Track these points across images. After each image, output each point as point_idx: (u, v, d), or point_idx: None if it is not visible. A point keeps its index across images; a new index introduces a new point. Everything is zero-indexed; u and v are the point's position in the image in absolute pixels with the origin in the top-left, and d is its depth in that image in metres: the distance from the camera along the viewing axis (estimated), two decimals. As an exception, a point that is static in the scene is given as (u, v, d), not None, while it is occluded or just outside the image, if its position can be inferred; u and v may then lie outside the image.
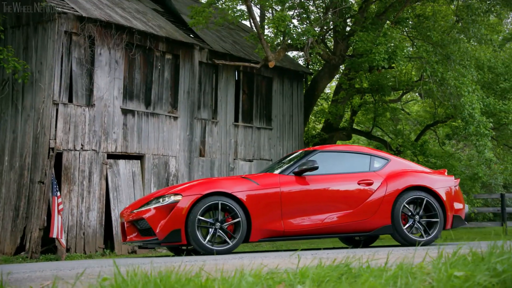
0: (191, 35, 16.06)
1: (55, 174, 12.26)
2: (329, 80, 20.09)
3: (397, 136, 22.87)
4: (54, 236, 11.77)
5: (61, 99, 12.66)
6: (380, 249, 6.05)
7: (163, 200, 6.79)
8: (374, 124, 22.22)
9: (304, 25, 18.96)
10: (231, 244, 6.65)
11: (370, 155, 7.65)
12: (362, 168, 7.47)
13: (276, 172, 7.36)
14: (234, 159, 16.51)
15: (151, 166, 14.27)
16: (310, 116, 21.81)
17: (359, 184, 7.24)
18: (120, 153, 13.70)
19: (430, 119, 23.16)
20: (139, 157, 14.18)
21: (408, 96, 28.17)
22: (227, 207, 6.69)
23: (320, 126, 23.30)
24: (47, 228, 12.24)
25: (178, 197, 6.67)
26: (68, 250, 12.41)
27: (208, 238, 6.60)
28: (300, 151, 8.00)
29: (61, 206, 12.02)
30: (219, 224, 6.67)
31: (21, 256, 11.97)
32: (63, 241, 11.99)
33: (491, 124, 17.03)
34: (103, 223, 13.15)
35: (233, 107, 16.69)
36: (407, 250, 5.54)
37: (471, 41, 17.94)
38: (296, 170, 7.14)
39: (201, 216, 6.60)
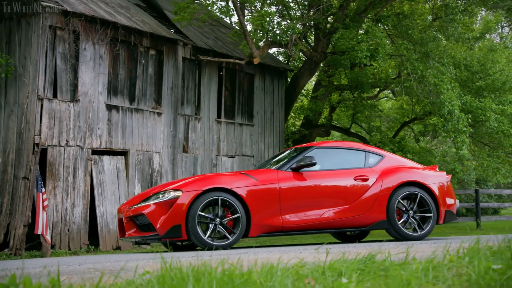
0: (172, 31, 16.00)
1: (39, 170, 12.13)
2: (310, 77, 20.23)
3: (371, 132, 23.19)
4: (39, 232, 11.64)
5: (46, 94, 12.52)
6: (399, 244, 6.18)
7: (162, 196, 6.81)
8: (353, 120, 22.45)
9: (284, 23, 19.04)
10: (231, 239, 6.71)
11: (365, 151, 7.78)
12: (357, 164, 7.60)
13: (274, 168, 7.43)
14: (217, 155, 16.53)
15: (135, 162, 14.22)
16: (290, 112, 21.93)
17: (355, 180, 7.36)
18: (104, 149, 13.62)
19: (405, 116, 23.51)
20: (124, 153, 14.12)
21: (379, 93, 28.55)
22: (227, 203, 6.75)
23: (299, 123, 23.45)
24: (31, 225, 12.11)
25: (178, 193, 6.71)
26: (52, 246, 12.30)
27: (208, 233, 6.65)
28: (296, 147, 8.09)
29: (46, 203, 11.90)
30: (219, 219, 6.72)
31: (4, 253, 11.82)
32: (48, 237, 11.88)
33: (470, 121, 17.39)
34: (88, 220, 13.06)
35: (216, 103, 16.71)
36: (421, 245, 5.67)
37: (450, 39, 18.25)
38: (294, 166, 7.22)
39: (201, 211, 6.65)
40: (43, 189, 11.90)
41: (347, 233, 8.83)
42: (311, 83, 26.26)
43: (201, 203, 6.64)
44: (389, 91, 26.53)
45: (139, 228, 6.93)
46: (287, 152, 8.25)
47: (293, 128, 22.69)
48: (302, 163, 7.15)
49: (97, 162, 13.39)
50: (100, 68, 13.56)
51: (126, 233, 7.02)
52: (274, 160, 8.19)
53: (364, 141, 21.29)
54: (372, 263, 3.26)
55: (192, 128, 15.84)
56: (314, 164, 7.10)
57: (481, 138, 21.07)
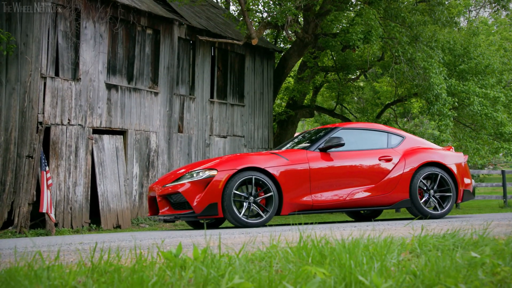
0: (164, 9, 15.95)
1: (42, 149, 12.11)
2: (298, 58, 20.42)
3: (343, 112, 23.58)
4: (44, 211, 11.68)
5: (48, 72, 12.44)
6: (431, 221, 6.47)
7: (197, 175, 6.96)
8: (338, 102, 22.77)
9: (274, 3, 19.13)
10: (264, 217, 6.93)
11: (387, 132, 8.06)
12: (380, 145, 7.88)
13: (301, 148, 7.65)
14: (210, 135, 16.66)
15: (133, 142, 14.27)
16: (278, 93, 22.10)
17: (379, 160, 7.64)
18: (104, 128, 13.62)
19: (376, 98, 23.97)
20: (122, 133, 14.14)
21: (360, 76, 28.95)
22: (260, 182, 6.95)
23: (284, 104, 23.66)
24: (35, 203, 12.11)
25: (213, 172, 6.88)
26: (56, 225, 12.33)
27: (242, 211, 6.85)
28: (320, 128, 8.31)
29: (50, 181, 11.91)
30: (252, 198, 6.93)
31: (9, 230, 11.81)
32: (53, 216, 11.91)
33: (456, 104, 17.88)
34: (89, 198, 13.10)
35: (209, 83, 16.79)
36: (455, 222, 5.96)
37: (438, 23, 18.63)
38: (322, 146, 7.45)
39: (236, 190, 6.84)
40: (47, 168, 11.90)
41: (361, 211, 9.15)
42: (297, 65, 26.47)
43: (236, 182, 6.83)
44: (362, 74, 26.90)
45: (172, 206, 7.09)
46: (309, 132, 8.46)
47: (278, 109, 22.91)
48: (330, 143, 7.37)
49: (98, 141, 13.40)
50: (100, 47, 13.51)
51: (160, 211, 7.16)
52: (296, 140, 8.40)
53: (349, 122, 21.64)
54: (467, 240, 3.51)
55: (186, 108, 15.92)
56: (343, 144, 7.34)
57: (464, 120, 21.67)
